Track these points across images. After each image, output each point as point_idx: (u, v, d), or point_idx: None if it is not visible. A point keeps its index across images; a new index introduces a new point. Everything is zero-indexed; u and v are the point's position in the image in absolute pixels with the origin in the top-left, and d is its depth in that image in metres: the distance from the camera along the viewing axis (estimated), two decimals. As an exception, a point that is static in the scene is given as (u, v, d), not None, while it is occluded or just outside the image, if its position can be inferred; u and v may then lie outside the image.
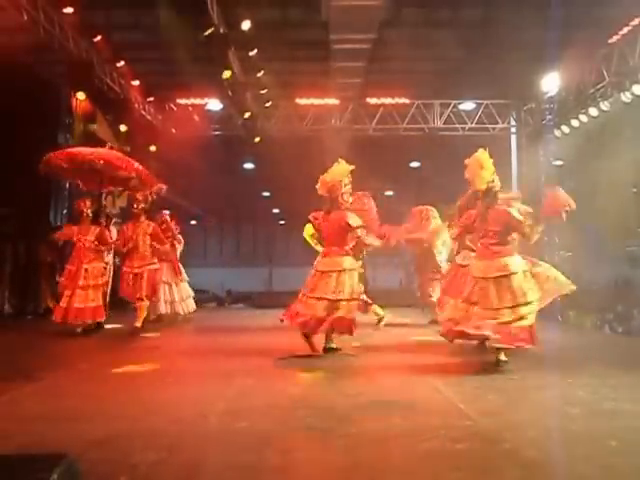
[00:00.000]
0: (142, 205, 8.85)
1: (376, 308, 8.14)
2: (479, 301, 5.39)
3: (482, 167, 5.61)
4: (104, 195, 8.77)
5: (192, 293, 10.78)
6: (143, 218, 8.86)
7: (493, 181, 5.58)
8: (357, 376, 5.32)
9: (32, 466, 2.16)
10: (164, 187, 9.33)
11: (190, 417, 3.77)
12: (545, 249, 12.73)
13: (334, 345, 6.36)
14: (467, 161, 5.73)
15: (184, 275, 10.48)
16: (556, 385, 4.73)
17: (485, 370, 5.30)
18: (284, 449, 3.12)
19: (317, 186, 6.49)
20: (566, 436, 3.28)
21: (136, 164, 8.96)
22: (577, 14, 9.88)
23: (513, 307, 5.26)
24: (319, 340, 6.34)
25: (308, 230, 6.64)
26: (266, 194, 24.26)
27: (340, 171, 6.42)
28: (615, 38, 10.71)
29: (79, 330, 8.13)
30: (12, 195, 8.77)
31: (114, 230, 9.50)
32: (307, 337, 6.23)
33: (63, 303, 8.06)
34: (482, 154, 5.70)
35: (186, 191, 19.85)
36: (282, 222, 27.28)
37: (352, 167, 6.44)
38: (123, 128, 12.45)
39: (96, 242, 8.35)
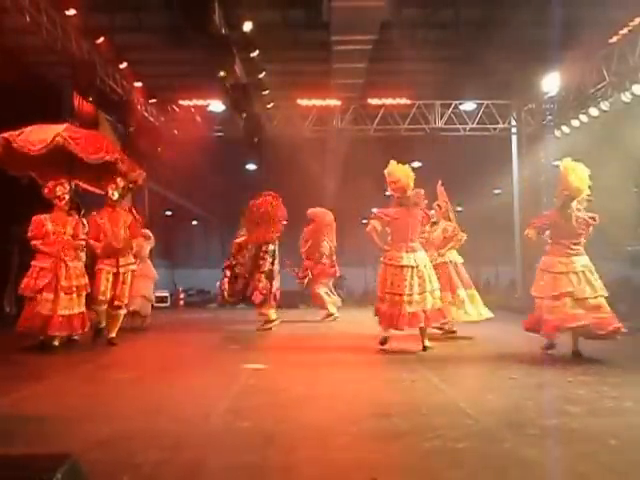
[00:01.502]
0: (119, 192, 7.48)
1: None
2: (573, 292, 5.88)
3: (580, 178, 5.98)
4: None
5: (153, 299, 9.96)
6: (119, 208, 7.57)
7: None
8: (357, 375, 5.35)
9: (36, 466, 2.17)
10: (144, 174, 8.13)
11: (193, 417, 3.78)
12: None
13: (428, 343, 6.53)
14: (570, 168, 6.03)
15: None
16: (556, 383, 4.75)
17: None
18: (286, 448, 3.14)
19: (389, 184, 6.61)
20: (566, 435, 3.29)
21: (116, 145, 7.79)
22: (577, 14, 9.88)
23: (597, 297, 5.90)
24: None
25: (376, 225, 6.61)
26: (268, 195, 24.24)
27: (409, 173, 6.59)
28: (615, 38, 10.72)
29: (56, 343, 6.77)
30: (17, 196, 8.75)
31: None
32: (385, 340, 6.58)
33: (43, 309, 6.56)
34: (578, 165, 6.05)
35: (188, 192, 19.91)
36: (284, 222, 27.29)
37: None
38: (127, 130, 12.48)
39: (73, 236, 7.00)
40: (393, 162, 6.64)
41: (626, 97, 10.46)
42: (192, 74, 13.02)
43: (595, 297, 5.88)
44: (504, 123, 14.94)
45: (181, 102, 14.68)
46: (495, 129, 14.87)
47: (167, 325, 10.08)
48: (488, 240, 20.89)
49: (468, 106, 14.70)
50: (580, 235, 6.05)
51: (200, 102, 14.56)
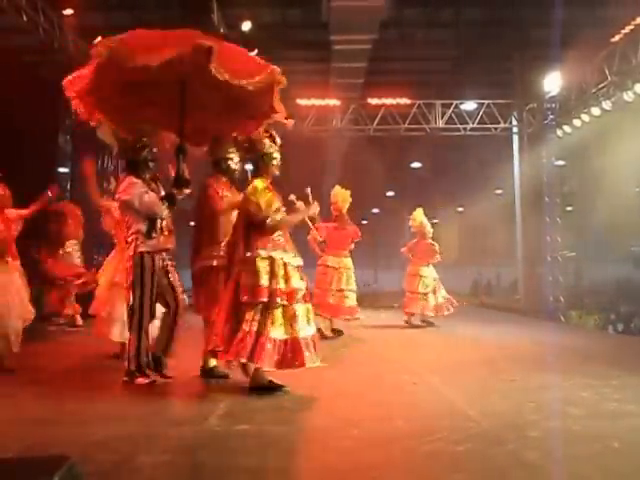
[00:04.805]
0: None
1: None
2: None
3: (343, 200, 8.24)
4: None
5: None
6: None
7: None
8: (358, 377, 5.32)
9: (34, 469, 2.16)
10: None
11: (191, 419, 3.77)
12: (548, 249, 12.72)
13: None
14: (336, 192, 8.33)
15: None
16: (558, 386, 4.72)
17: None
18: (285, 451, 3.12)
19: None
20: (568, 437, 3.27)
21: None
22: (579, 14, 9.88)
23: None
24: None
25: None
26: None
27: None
28: (617, 37, 10.67)
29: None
30: (14, 195, 8.73)
31: None
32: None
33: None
34: (338, 189, 8.36)
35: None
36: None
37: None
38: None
39: None
40: None
41: (628, 96, 10.41)
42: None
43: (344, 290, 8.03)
44: (505, 123, 14.86)
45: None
46: (496, 129, 14.79)
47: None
48: (489, 241, 20.88)
49: (469, 106, 14.61)
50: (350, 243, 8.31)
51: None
